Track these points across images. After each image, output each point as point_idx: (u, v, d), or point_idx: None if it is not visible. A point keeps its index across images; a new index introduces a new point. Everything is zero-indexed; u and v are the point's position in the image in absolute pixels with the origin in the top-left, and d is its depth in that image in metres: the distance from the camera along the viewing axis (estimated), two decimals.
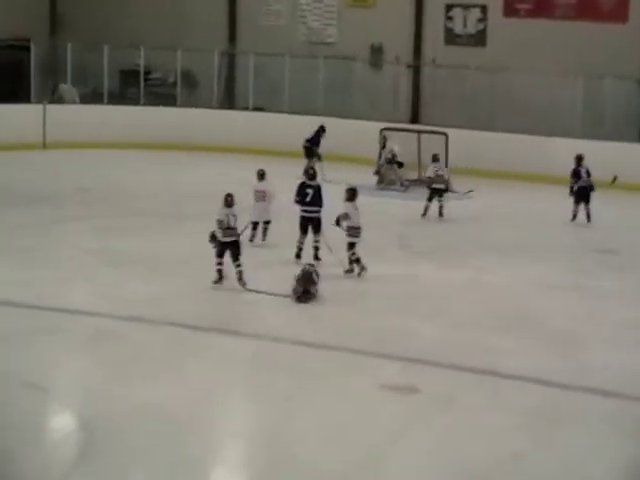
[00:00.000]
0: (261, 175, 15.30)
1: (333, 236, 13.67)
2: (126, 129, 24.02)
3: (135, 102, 26.01)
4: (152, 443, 8.13)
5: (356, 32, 25.83)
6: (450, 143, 20.62)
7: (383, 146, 19.78)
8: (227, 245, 12.52)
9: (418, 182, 20.03)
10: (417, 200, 18.49)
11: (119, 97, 26.66)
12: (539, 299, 12.96)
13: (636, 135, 22.51)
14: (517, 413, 9.02)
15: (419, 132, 21.64)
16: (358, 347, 10.67)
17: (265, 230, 15.08)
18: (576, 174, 17.56)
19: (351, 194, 13.40)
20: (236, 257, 12.54)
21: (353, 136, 19.89)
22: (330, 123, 21.65)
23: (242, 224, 13.10)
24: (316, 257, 13.70)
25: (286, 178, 16.44)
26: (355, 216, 13.32)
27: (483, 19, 24.54)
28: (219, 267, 12.65)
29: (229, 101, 27.37)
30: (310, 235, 13.89)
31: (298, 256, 13.74)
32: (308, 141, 20.88)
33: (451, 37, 24.99)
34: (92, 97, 25.99)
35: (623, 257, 15.58)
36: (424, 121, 24.54)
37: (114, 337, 10.73)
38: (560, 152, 21.22)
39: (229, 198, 12.63)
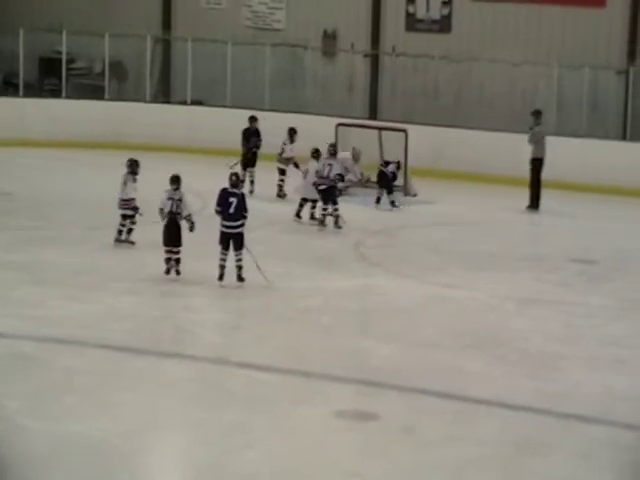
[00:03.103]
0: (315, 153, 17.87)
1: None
2: (46, 125, 23.91)
3: (56, 94, 25.88)
4: None
5: (307, 17, 25.99)
6: (410, 141, 20.84)
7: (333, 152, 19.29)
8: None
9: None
10: (375, 205, 18.69)
11: (37, 88, 26.53)
12: (510, 315, 13.19)
13: (617, 131, 22.86)
14: (484, 443, 9.19)
15: (379, 129, 21.84)
16: (309, 370, 10.81)
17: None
18: None
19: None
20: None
21: (304, 133, 19.99)
22: (278, 118, 21.76)
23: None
24: (240, 278, 13.62)
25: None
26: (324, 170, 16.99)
27: (448, 3, 24.80)
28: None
29: (164, 94, 27.35)
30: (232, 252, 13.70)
31: (221, 277, 13.60)
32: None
33: (412, 23, 25.22)
34: (4, 88, 25.82)
35: (603, 267, 15.86)
36: (383, 116, 24.74)
37: (33, 362, 10.72)
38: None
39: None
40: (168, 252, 14.02)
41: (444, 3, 24.90)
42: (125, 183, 15.52)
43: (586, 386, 10.66)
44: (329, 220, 17.29)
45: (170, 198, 14.03)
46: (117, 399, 9.84)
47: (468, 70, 23.97)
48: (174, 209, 13.98)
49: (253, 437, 9.17)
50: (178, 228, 14.03)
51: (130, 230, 15.53)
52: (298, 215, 17.77)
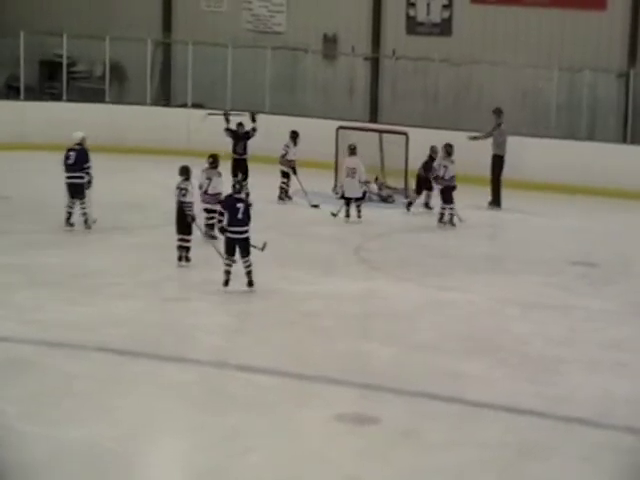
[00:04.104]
0: (352, 150, 18.15)
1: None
2: (47, 128, 23.89)
3: (57, 98, 25.90)
4: None
5: (307, 20, 26.03)
6: (411, 144, 20.86)
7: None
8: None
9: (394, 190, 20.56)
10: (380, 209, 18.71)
11: (38, 92, 26.55)
12: (511, 319, 13.19)
13: (618, 135, 22.88)
14: (485, 446, 9.20)
15: (380, 132, 21.87)
16: (311, 374, 10.80)
17: (358, 207, 18.00)
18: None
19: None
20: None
21: (305, 136, 20.01)
22: (278, 122, 21.80)
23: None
24: (250, 283, 13.51)
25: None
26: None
27: (448, 6, 24.84)
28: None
29: (164, 97, 27.40)
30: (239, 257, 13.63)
31: (226, 283, 13.54)
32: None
33: (413, 26, 25.26)
34: (6, 91, 25.85)
35: (605, 270, 15.88)
36: (383, 119, 24.77)
37: (31, 366, 10.73)
38: (534, 154, 21.63)
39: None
40: (180, 240, 14.64)
41: (444, 6, 24.95)
42: (210, 178, 15.84)
43: (587, 389, 10.67)
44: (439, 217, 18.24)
45: (178, 187, 14.62)
46: (117, 403, 9.83)
47: (469, 73, 24.01)
48: (181, 198, 14.54)
49: (254, 441, 9.17)
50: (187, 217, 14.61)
51: (213, 226, 15.45)
52: (347, 214, 18.24)
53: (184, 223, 14.63)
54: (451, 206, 18.14)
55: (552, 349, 11.94)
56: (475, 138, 20.60)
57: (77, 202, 16.76)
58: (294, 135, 19.81)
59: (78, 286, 13.67)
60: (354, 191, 18.26)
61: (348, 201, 18.28)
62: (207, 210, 15.75)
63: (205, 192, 15.82)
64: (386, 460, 8.90)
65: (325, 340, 11.98)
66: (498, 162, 20.45)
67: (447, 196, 18.19)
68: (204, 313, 12.98)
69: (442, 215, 18.21)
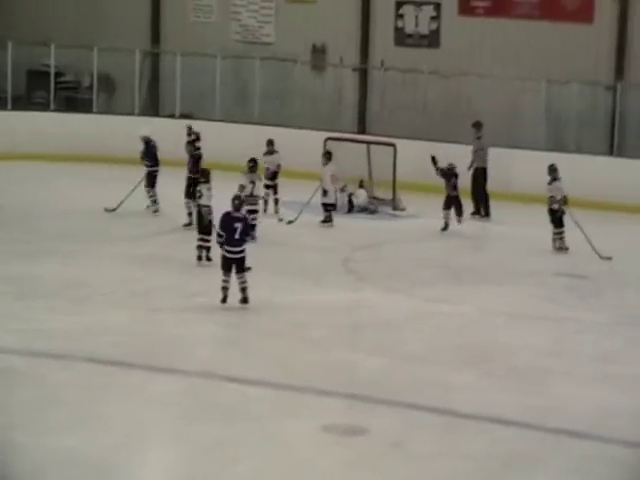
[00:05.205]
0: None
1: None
2: (34, 138, 23.85)
3: (44, 107, 25.85)
4: None
5: (296, 31, 26.04)
6: (399, 155, 20.91)
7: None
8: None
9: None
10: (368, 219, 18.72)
11: (25, 101, 26.49)
12: (499, 330, 13.23)
13: (605, 147, 22.97)
14: (473, 458, 9.21)
15: (368, 143, 21.91)
16: (298, 384, 10.81)
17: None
18: None
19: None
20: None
21: (293, 147, 20.03)
22: (267, 132, 21.79)
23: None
24: (245, 300, 13.39)
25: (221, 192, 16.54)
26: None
27: (436, 18, 24.91)
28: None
29: (153, 107, 27.36)
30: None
31: (224, 300, 13.43)
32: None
33: (401, 37, 25.31)
34: None
35: (593, 282, 15.94)
36: (371, 130, 24.80)
37: (22, 376, 10.71)
38: (521, 165, 21.68)
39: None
40: (200, 240, 15.30)
41: (432, 18, 24.98)
42: (253, 182, 17.14)
43: (576, 401, 10.68)
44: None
45: (197, 190, 15.71)
46: (105, 413, 9.83)
47: (457, 85, 24.04)
48: (198, 201, 15.59)
49: (242, 451, 9.17)
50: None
51: (255, 226, 16.34)
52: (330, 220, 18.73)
53: (203, 224, 15.33)
54: (561, 230, 17.68)
55: (541, 360, 11.97)
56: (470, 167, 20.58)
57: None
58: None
59: (68, 296, 13.65)
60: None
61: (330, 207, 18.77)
62: (249, 211, 16.38)
63: (250, 195, 16.85)
64: (375, 470, 8.91)
65: (314, 351, 11.99)
66: (482, 174, 20.56)
67: (557, 220, 17.81)
68: (194, 324, 12.94)
69: (554, 241, 17.77)
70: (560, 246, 17.68)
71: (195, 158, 18.31)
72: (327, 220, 18.77)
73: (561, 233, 17.74)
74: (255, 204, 17.25)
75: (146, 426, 9.64)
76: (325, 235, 18.26)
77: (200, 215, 15.55)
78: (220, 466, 8.88)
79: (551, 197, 17.78)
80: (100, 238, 17.00)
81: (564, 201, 17.66)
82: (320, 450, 9.30)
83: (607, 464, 9.27)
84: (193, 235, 15.74)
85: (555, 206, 17.66)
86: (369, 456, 9.21)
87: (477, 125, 21.00)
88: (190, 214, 17.47)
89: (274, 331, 12.69)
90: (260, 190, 17.69)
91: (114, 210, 18.20)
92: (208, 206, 15.39)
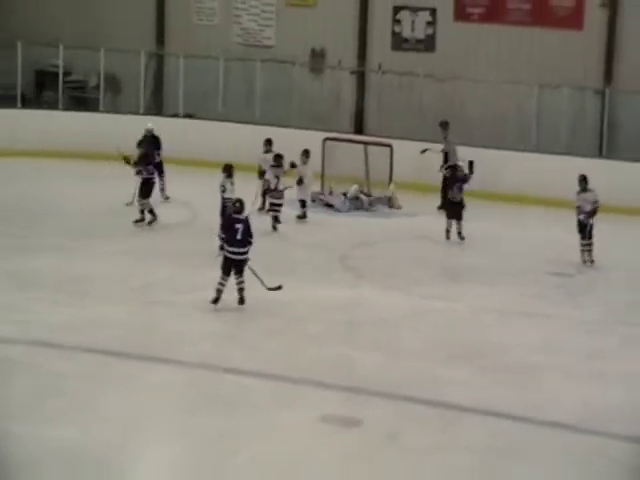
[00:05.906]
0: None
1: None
2: (42, 136, 23.81)
3: (52, 107, 25.80)
4: None
5: (296, 34, 26.00)
6: (395, 155, 20.88)
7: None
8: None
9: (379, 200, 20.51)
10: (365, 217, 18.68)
11: (34, 101, 26.46)
12: (492, 327, 13.24)
13: (594, 149, 22.97)
14: (466, 449, 9.22)
15: (365, 143, 21.89)
16: (297, 377, 10.82)
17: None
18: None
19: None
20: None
21: (291, 147, 19.98)
22: (267, 132, 21.75)
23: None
24: (241, 301, 13.32)
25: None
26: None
27: (432, 23, 24.89)
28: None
29: (157, 107, 27.32)
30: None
31: (216, 301, 13.21)
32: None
33: (398, 42, 25.28)
34: (3, 100, 25.75)
35: (581, 281, 15.94)
36: (368, 131, 24.78)
37: (20, 367, 10.68)
38: (513, 167, 21.68)
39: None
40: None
41: (429, 23, 24.97)
42: (277, 176, 17.64)
43: (566, 396, 10.71)
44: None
45: (220, 185, 16.09)
46: (105, 404, 9.81)
47: (451, 88, 24.02)
48: (221, 194, 15.91)
49: (241, 442, 9.18)
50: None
51: (277, 217, 17.42)
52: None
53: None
54: (590, 242, 16.77)
55: (532, 356, 11.98)
56: (425, 151, 20.64)
57: None
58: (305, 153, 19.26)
59: (67, 289, 13.62)
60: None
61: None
62: (273, 204, 17.47)
63: (275, 189, 17.55)
64: (370, 462, 8.92)
65: (312, 345, 11.99)
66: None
67: (585, 231, 16.89)
68: (193, 318, 12.93)
69: (582, 252, 16.82)
70: (585, 259, 16.68)
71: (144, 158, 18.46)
72: (303, 216, 18.65)
73: (589, 245, 16.74)
74: (280, 197, 17.65)
75: (145, 417, 9.64)
76: (323, 233, 18.22)
77: (224, 208, 15.65)
78: (219, 457, 8.88)
79: (578, 207, 16.98)
80: (100, 234, 16.93)
81: (593, 212, 16.74)
82: (318, 441, 9.31)
83: (596, 456, 9.31)
84: (192, 231, 15.70)
85: (581, 217, 16.83)
86: (366, 447, 9.23)
87: (444, 125, 20.94)
88: (142, 212, 17.59)
89: (273, 326, 12.68)
90: (286, 184, 17.84)
91: (132, 203, 18.14)
92: (229, 199, 15.42)
